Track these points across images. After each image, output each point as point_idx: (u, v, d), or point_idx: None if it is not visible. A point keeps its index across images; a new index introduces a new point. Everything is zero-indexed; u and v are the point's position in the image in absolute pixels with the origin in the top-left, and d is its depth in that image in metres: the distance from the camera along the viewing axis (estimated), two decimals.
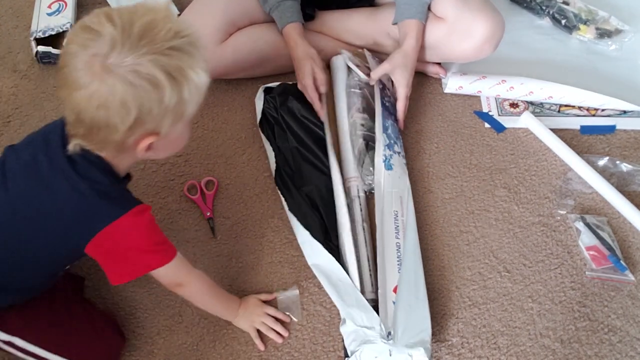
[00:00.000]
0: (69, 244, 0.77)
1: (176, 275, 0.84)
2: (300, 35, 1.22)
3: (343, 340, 0.93)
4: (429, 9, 1.20)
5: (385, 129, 1.15)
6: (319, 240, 1.02)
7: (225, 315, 0.96)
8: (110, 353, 0.92)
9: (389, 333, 0.90)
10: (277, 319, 0.97)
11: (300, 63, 1.19)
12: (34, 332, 0.85)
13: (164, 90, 0.67)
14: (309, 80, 1.18)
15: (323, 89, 1.20)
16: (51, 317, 0.88)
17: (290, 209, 1.09)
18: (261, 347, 0.95)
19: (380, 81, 1.23)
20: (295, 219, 1.07)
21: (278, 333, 0.96)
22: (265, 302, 0.99)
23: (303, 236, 1.05)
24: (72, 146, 0.72)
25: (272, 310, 0.98)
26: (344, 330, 0.93)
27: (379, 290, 0.95)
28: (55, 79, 0.76)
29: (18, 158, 0.77)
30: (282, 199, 1.12)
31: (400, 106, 1.19)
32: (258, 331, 0.96)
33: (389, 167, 1.10)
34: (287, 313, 0.99)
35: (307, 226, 1.05)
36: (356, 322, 0.91)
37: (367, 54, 1.31)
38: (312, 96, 1.18)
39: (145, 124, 0.69)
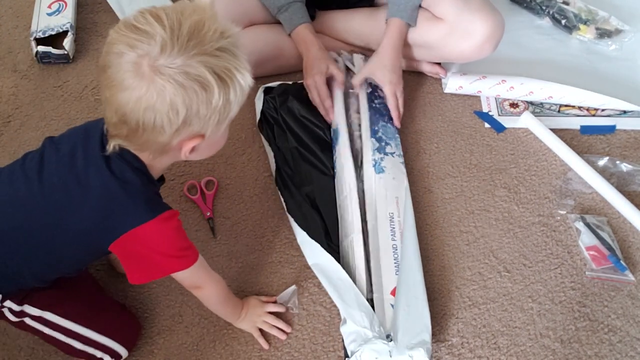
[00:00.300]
0: (93, 241, 0.77)
1: (196, 277, 0.84)
2: (315, 35, 1.23)
3: (343, 340, 0.93)
4: (420, 6, 1.21)
5: (374, 133, 1.15)
6: (319, 240, 1.02)
7: (230, 317, 0.96)
8: (134, 333, 0.94)
9: (388, 335, 0.90)
10: (278, 316, 0.97)
11: (316, 60, 1.20)
12: (64, 307, 0.86)
13: (212, 91, 0.66)
14: (320, 78, 1.18)
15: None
16: (80, 295, 0.89)
17: (288, 211, 1.09)
18: (265, 346, 0.95)
19: (370, 84, 1.24)
20: (293, 220, 1.07)
21: (281, 330, 0.97)
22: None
23: (302, 236, 1.05)
24: (112, 147, 0.71)
25: (272, 307, 0.98)
26: (344, 330, 0.93)
27: (374, 295, 0.95)
28: (99, 79, 0.75)
29: (57, 150, 0.77)
30: (282, 199, 1.12)
31: (391, 104, 1.19)
32: (261, 330, 0.96)
33: (379, 170, 1.10)
34: (288, 305, 1.00)
35: (305, 227, 1.05)
36: (356, 322, 0.91)
37: (357, 57, 1.30)
38: (322, 92, 1.18)
39: (192, 126, 0.69)
